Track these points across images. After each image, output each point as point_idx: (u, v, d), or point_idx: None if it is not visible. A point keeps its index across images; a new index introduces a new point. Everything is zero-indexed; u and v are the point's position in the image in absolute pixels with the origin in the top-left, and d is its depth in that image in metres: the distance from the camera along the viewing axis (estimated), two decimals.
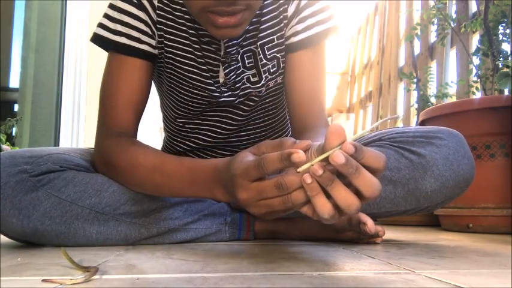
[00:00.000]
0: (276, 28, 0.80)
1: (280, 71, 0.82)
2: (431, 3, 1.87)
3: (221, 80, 0.80)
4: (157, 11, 0.78)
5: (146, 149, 0.69)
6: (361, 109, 3.09)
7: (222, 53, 0.78)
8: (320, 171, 0.42)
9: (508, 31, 1.22)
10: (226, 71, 0.79)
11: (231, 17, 0.63)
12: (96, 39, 0.78)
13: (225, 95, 0.81)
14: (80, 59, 2.96)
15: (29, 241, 0.70)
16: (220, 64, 0.79)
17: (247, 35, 0.79)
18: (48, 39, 2.81)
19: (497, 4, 1.22)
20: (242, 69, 0.80)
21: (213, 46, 0.78)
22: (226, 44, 0.78)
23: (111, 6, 0.78)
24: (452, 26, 1.54)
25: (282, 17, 0.79)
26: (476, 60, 1.34)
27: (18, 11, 3.12)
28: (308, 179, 0.42)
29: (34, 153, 0.71)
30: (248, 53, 0.80)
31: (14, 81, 3.13)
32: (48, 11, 2.83)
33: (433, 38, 1.95)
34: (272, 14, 0.79)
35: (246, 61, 0.80)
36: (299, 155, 0.43)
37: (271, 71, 0.81)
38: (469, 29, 1.38)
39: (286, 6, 0.79)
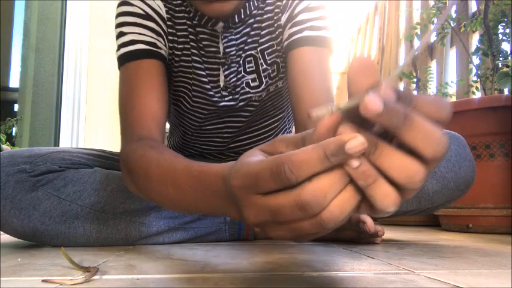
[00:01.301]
0: (274, 35, 0.79)
1: (280, 76, 0.82)
2: (431, 3, 1.87)
3: (221, 83, 0.80)
4: (168, 22, 0.77)
5: (161, 155, 0.55)
6: None
7: (221, 54, 0.78)
8: (358, 142, 0.27)
9: (508, 31, 1.22)
10: (225, 73, 0.79)
11: None
12: (124, 59, 0.74)
13: (226, 99, 0.81)
14: (80, 59, 2.96)
15: (30, 240, 0.70)
16: (220, 66, 0.79)
17: (249, 40, 0.79)
18: (48, 39, 2.81)
19: (497, 4, 1.22)
20: (242, 73, 0.80)
21: (212, 49, 0.78)
22: (225, 45, 0.77)
23: (120, 24, 0.75)
24: (452, 25, 1.54)
25: (276, 25, 0.79)
26: (476, 60, 1.34)
27: (18, 11, 3.12)
28: (355, 162, 0.27)
29: (33, 153, 0.71)
30: (249, 57, 0.80)
31: (14, 81, 3.13)
32: (48, 11, 2.83)
33: (433, 37, 1.95)
34: (269, 21, 0.79)
35: (247, 65, 0.80)
36: (357, 140, 0.27)
37: (272, 75, 0.81)
38: (469, 29, 1.38)
39: (281, 15, 0.78)
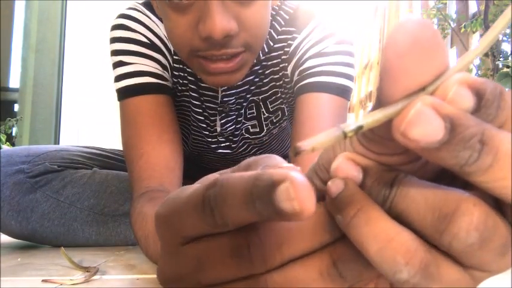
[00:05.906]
0: (278, 83, 0.68)
1: (284, 118, 0.73)
2: (432, 3, 1.87)
3: (218, 129, 0.72)
4: (175, 56, 0.65)
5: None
6: (361, 109, 3.09)
7: (218, 101, 0.68)
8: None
9: (508, 31, 1.22)
10: (222, 121, 0.70)
11: (227, 62, 0.52)
12: (127, 92, 0.62)
13: (222, 145, 0.75)
14: (80, 59, 2.96)
15: (29, 241, 0.70)
16: (217, 113, 0.70)
17: (252, 87, 0.68)
18: (48, 39, 2.81)
19: (497, 4, 1.22)
20: (242, 120, 0.71)
21: (210, 93, 0.67)
22: (223, 93, 0.66)
23: (119, 52, 0.63)
24: (452, 26, 1.54)
25: (281, 74, 0.67)
26: (476, 61, 1.35)
27: (18, 11, 3.12)
28: (339, 171, 0.17)
29: (31, 152, 0.71)
30: (251, 103, 0.70)
31: (14, 81, 3.13)
32: (48, 11, 2.83)
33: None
34: (275, 68, 0.67)
35: (248, 111, 0.71)
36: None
37: (274, 121, 0.73)
38: (469, 29, 1.38)
39: (286, 64, 0.66)
